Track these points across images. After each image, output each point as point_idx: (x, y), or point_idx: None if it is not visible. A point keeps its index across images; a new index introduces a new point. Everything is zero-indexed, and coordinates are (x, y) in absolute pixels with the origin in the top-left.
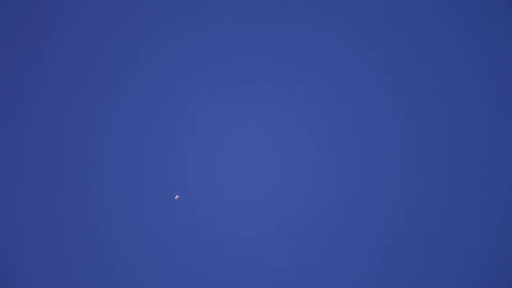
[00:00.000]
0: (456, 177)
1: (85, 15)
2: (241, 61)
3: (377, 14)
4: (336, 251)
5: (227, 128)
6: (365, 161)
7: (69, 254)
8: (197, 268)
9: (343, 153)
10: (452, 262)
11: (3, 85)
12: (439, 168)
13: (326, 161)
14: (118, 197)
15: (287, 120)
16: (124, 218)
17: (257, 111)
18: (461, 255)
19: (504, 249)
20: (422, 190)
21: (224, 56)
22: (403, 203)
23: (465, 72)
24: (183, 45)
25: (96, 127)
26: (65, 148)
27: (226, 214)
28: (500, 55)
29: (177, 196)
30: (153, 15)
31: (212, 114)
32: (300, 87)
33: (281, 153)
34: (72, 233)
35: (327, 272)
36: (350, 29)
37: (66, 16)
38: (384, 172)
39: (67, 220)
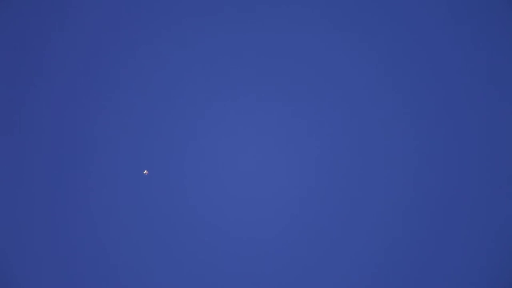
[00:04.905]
0: (456, 177)
1: (86, 15)
2: (242, 61)
3: (378, 15)
4: (337, 250)
5: (227, 128)
6: (366, 161)
7: (69, 254)
8: (198, 268)
9: (344, 154)
10: (452, 263)
11: (4, 85)
12: (439, 169)
13: (327, 162)
14: (118, 197)
15: (288, 120)
16: (125, 218)
17: (258, 112)
18: (461, 257)
19: (504, 252)
20: (422, 190)
21: (226, 56)
22: (404, 203)
23: (465, 73)
24: (184, 46)
25: (96, 127)
26: (65, 149)
27: (227, 214)
28: (500, 55)
29: (146, 171)
30: (154, 15)
31: (212, 114)
32: (300, 87)
33: (281, 153)
34: (72, 233)
35: (328, 273)
36: (352, 29)
37: (66, 16)
38: (384, 173)
39: (67, 220)
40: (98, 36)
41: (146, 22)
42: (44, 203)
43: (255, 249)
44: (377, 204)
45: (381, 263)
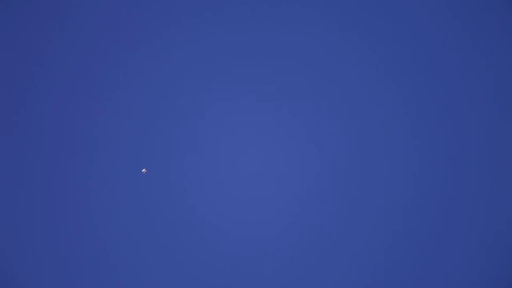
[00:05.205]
0: (456, 177)
1: (86, 15)
2: (242, 61)
3: (378, 15)
4: (337, 250)
5: (227, 128)
6: (366, 161)
7: (69, 254)
8: (198, 268)
9: (344, 154)
10: (452, 263)
11: (4, 85)
12: (439, 169)
13: (326, 161)
14: (118, 197)
15: (288, 120)
16: (125, 218)
17: (258, 112)
18: (461, 257)
19: (504, 252)
20: (422, 190)
21: (226, 56)
22: (404, 203)
23: (465, 73)
24: (184, 46)
25: (96, 127)
26: (65, 149)
27: (227, 214)
28: (500, 55)
29: (144, 170)
30: (154, 15)
31: (212, 114)
32: (300, 87)
33: (281, 153)
34: (72, 233)
35: (328, 273)
36: (352, 30)
37: (66, 16)
38: (384, 173)
39: (67, 220)
40: (98, 36)
41: (146, 22)
42: (44, 203)
43: (255, 249)
44: (377, 204)
45: (381, 263)
